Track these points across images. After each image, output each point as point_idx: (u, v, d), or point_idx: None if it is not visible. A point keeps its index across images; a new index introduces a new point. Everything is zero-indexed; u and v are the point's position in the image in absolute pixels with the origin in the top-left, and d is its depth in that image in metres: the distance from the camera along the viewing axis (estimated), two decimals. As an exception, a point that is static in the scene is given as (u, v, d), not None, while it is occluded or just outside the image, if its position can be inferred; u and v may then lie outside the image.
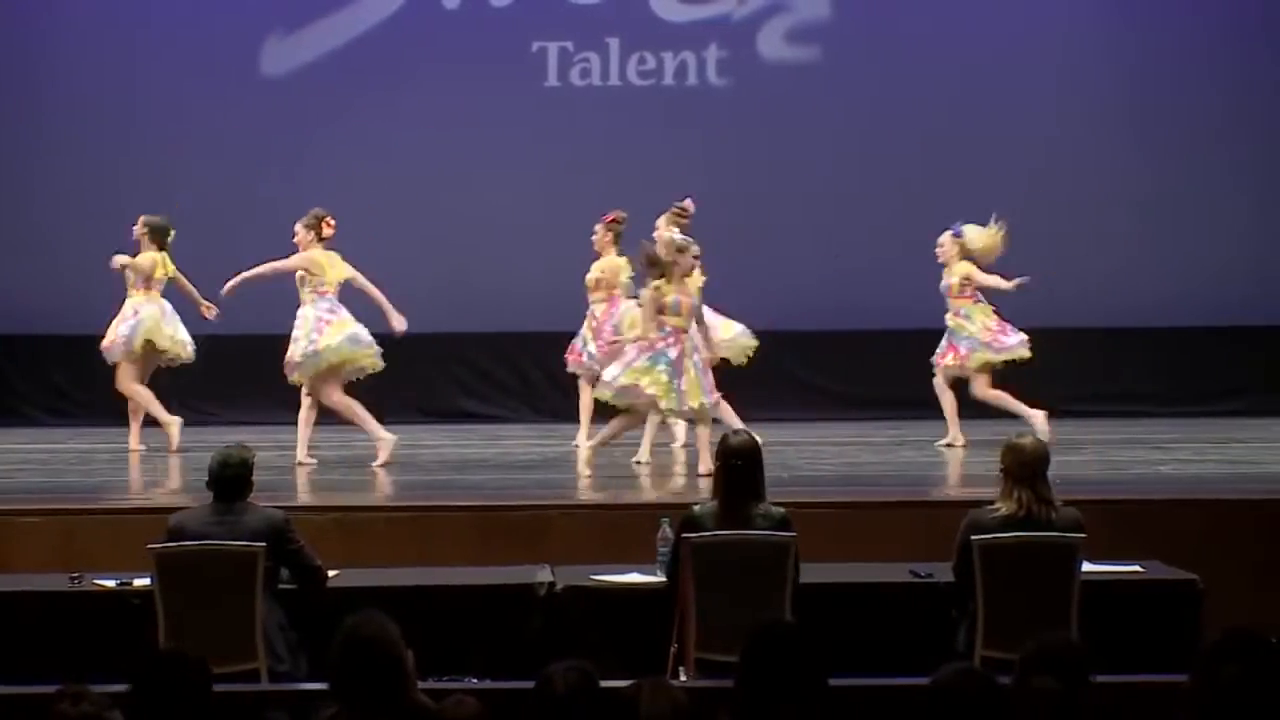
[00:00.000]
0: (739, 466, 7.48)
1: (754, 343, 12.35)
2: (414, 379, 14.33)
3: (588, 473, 10.72)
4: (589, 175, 13.94)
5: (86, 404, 13.94)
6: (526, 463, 11.95)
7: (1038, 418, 11.93)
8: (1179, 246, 14.44)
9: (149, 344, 12.09)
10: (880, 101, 14.55)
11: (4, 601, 7.79)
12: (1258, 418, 13.77)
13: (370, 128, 14.38)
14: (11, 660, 7.37)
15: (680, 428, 11.95)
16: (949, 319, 12.34)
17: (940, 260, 12.29)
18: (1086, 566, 7.40)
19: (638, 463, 11.29)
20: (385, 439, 11.32)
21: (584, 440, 11.76)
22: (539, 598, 7.79)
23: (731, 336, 12.14)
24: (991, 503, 7.42)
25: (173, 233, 12.23)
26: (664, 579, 7.59)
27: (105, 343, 12.19)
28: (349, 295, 11.44)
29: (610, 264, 12.08)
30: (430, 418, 14.23)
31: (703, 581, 7.34)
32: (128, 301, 12.19)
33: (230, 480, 7.48)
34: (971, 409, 12.41)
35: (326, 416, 11.54)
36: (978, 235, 12.20)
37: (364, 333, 11.28)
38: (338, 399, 11.29)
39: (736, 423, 10.62)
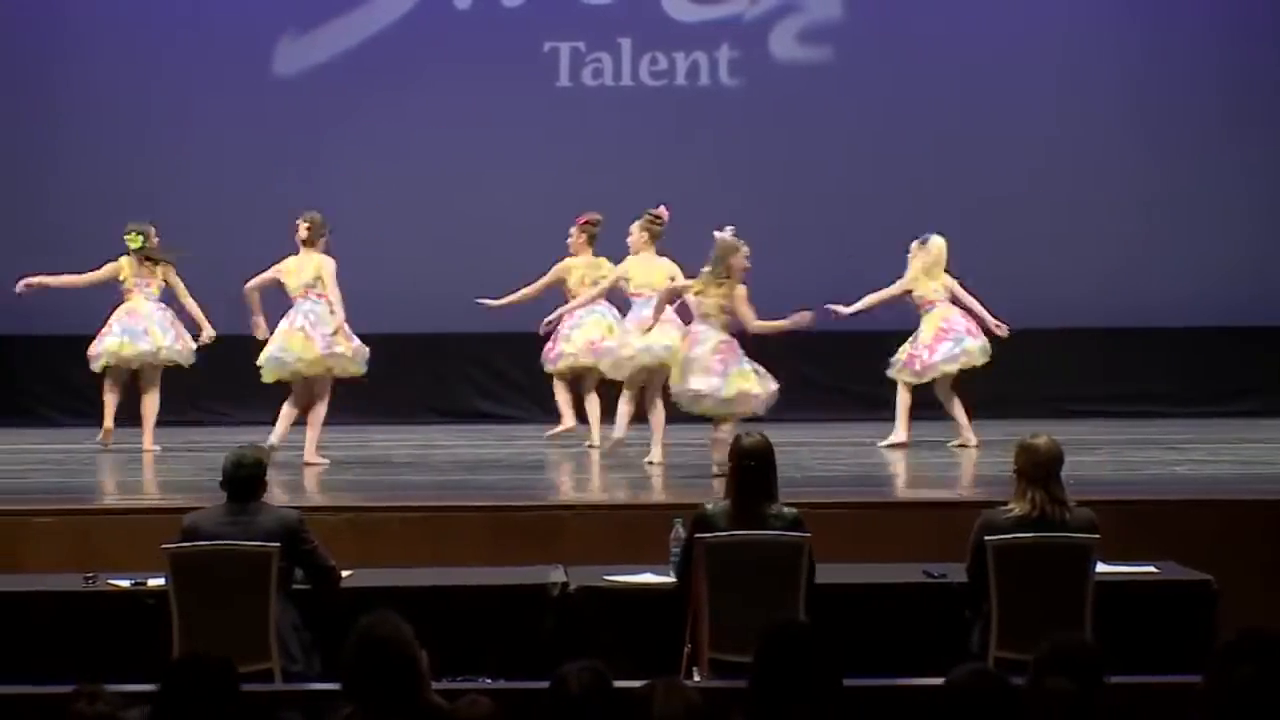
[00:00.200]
0: (752, 467, 7.49)
1: None
2: (428, 379, 14.36)
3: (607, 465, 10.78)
4: (601, 175, 13.93)
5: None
6: (540, 463, 11.96)
7: (971, 434, 12.02)
8: (1193, 246, 14.42)
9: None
10: (892, 102, 14.53)
11: (19, 602, 7.82)
12: (1271, 418, 13.75)
13: (382, 128, 14.38)
14: (27, 660, 7.38)
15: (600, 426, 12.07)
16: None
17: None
18: (1101, 567, 7.39)
19: (650, 463, 11.30)
20: (280, 434, 11.41)
21: (597, 439, 12.01)
22: (552, 598, 7.80)
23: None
24: (1005, 503, 7.43)
25: (134, 238, 12.12)
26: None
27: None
28: (350, 297, 11.47)
29: (574, 264, 12.28)
30: (444, 418, 14.24)
31: (716, 582, 7.34)
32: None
33: (244, 480, 7.49)
34: (982, 410, 12.40)
35: (335, 415, 11.61)
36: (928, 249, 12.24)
37: (287, 351, 11.32)
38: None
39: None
